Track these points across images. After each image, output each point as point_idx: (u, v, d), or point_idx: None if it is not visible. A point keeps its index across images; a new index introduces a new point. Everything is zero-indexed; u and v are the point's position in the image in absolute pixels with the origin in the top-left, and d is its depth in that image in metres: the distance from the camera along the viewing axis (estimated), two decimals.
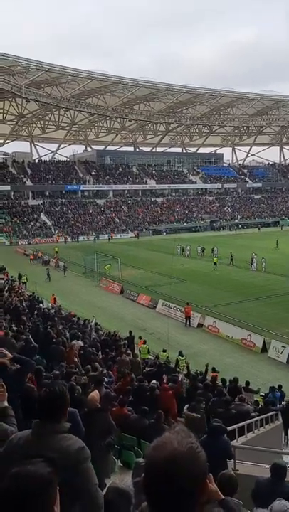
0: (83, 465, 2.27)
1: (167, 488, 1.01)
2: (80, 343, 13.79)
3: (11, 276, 33.27)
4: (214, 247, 42.16)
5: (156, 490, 1.03)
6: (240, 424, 7.38)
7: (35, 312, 19.00)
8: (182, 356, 16.26)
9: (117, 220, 73.25)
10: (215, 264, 37.88)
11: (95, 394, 6.06)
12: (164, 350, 17.17)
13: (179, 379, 10.97)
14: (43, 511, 1.27)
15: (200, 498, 1.05)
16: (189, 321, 23.60)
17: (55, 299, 26.51)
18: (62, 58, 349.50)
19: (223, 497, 2.89)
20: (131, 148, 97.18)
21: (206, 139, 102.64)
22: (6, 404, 3.25)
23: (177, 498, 1.01)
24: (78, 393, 7.04)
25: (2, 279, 30.37)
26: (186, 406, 8.49)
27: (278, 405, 11.58)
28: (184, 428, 1.15)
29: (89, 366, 10.61)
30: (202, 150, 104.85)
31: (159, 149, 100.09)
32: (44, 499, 1.26)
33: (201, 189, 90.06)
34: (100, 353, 14.01)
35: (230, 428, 6.93)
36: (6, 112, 78.99)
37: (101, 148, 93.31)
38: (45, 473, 1.29)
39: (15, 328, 13.21)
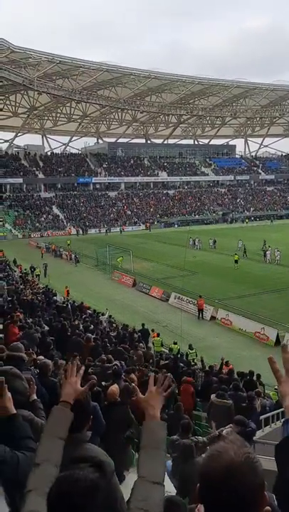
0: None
1: (226, 499, 1.01)
2: (93, 335, 13.84)
3: (25, 269, 33.62)
4: (239, 241, 41.50)
5: (215, 499, 1.03)
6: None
7: (50, 305, 19.15)
8: (192, 350, 16.23)
9: (129, 212, 73.18)
10: (236, 261, 34.51)
11: (114, 387, 6.10)
12: (175, 343, 17.14)
13: (200, 374, 10.99)
14: None
15: (258, 508, 1.05)
16: (202, 314, 23.58)
17: (68, 291, 26.69)
18: (74, 50, 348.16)
19: None
20: (142, 141, 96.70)
21: (218, 130, 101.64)
22: (35, 397, 3.30)
23: (236, 509, 1.01)
24: (97, 387, 7.08)
25: (15, 271, 30.71)
26: (214, 395, 8.46)
27: None
28: (238, 437, 1.15)
29: (104, 357, 10.64)
30: (214, 141, 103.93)
31: (170, 141, 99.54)
32: (91, 503, 1.19)
33: (213, 181, 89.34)
34: (112, 345, 14.04)
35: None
36: (18, 104, 79.07)
37: (112, 140, 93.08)
38: (93, 478, 1.23)
39: (30, 320, 13.36)
